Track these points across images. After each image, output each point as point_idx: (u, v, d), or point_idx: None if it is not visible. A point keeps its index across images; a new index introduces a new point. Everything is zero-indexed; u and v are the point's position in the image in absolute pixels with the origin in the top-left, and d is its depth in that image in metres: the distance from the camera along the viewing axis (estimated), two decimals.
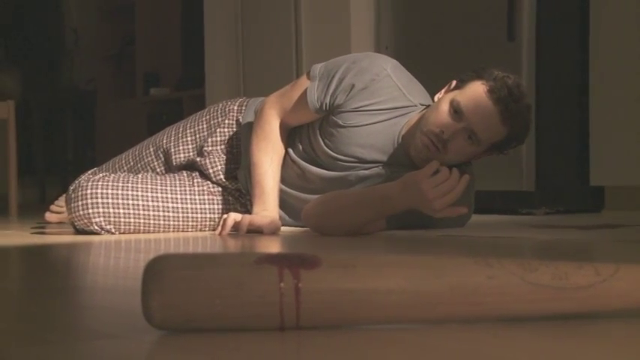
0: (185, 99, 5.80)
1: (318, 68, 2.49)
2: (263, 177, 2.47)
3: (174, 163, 2.71)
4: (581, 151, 3.52)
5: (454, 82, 2.33)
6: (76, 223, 2.53)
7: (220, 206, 2.62)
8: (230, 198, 2.63)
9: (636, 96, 3.36)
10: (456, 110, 2.23)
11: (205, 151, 2.66)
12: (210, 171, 2.62)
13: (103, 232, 2.51)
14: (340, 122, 2.44)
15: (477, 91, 2.23)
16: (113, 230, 2.52)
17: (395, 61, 2.50)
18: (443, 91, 2.35)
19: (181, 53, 6.27)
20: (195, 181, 2.62)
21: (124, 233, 2.53)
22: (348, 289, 0.87)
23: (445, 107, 2.25)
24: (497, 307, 0.90)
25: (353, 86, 2.41)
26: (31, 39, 6.98)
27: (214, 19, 4.81)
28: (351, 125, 2.43)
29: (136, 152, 2.83)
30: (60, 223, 3.05)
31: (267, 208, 2.45)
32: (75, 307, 1.12)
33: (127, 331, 0.90)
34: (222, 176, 2.62)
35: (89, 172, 2.90)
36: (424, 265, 0.90)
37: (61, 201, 3.14)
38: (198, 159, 2.66)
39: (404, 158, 2.39)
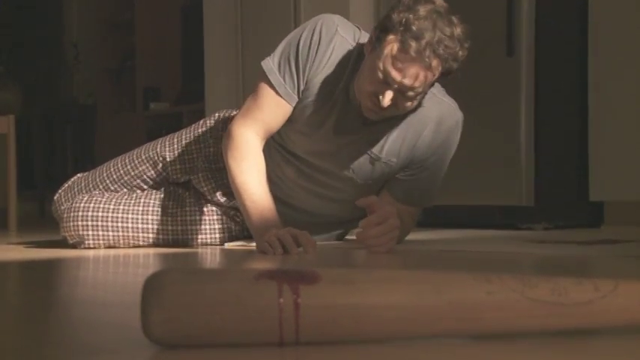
0: (185, 114, 5.82)
1: (270, 62, 2.35)
2: (257, 197, 2.27)
3: (170, 168, 2.64)
4: (580, 167, 3.53)
5: (374, 36, 2.21)
6: (70, 241, 2.55)
7: (214, 226, 2.58)
8: (223, 217, 2.57)
9: (636, 111, 3.37)
10: (381, 75, 2.15)
11: (197, 167, 2.60)
12: (205, 189, 2.56)
13: (96, 248, 2.52)
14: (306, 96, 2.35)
15: (392, 50, 2.14)
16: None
17: (336, 20, 2.36)
18: (369, 46, 2.23)
19: (181, 68, 6.28)
20: (188, 201, 2.58)
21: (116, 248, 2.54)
22: (347, 305, 0.87)
23: (372, 74, 2.17)
24: (497, 323, 0.90)
25: (309, 46, 2.31)
26: (31, 53, 7.00)
27: (214, 34, 4.82)
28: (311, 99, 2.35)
29: (126, 160, 2.69)
30: None
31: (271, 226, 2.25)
32: (73, 322, 1.12)
33: (126, 346, 0.90)
34: (216, 195, 2.55)
35: (77, 176, 2.76)
36: (423, 280, 0.90)
37: None
38: (192, 176, 2.60)
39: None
